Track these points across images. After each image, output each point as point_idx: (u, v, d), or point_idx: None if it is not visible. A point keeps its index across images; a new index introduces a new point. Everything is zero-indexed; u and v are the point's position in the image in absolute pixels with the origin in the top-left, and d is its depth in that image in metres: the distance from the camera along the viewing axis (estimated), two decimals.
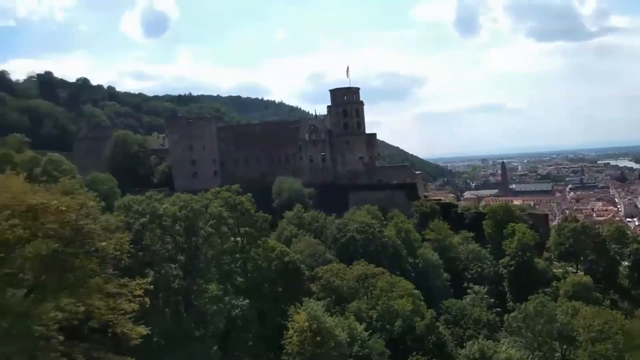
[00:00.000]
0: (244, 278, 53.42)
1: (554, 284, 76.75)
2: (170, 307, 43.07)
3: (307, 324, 42.84)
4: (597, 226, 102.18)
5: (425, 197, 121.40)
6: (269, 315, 51.55)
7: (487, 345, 51.67)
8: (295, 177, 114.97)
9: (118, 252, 26.37)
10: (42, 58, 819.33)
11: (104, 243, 25.12)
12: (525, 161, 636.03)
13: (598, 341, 50.07)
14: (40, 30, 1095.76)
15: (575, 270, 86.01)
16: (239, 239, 56.38)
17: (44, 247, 23.18)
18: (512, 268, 79.43)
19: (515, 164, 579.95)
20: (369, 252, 71.93)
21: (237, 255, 54.51)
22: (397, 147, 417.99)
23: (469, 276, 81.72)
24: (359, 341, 47.39)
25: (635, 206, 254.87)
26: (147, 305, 28.07)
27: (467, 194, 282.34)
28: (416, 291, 61.16)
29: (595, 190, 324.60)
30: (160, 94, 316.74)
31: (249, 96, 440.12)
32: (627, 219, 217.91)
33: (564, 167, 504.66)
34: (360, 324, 49.93)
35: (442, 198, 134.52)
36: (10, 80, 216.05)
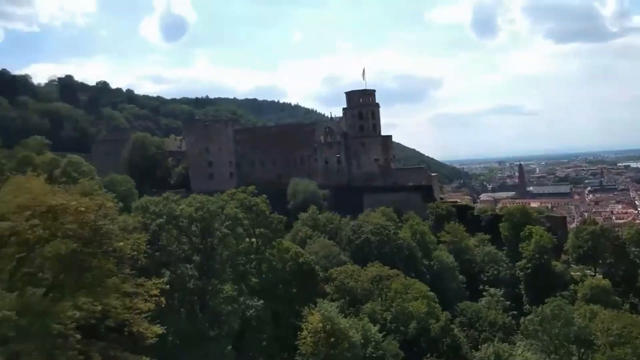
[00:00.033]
0: (258, 279, 53.79)
1: (571, 287, 75.76)
2: (185, 307, 43.59)
3: (321, 324, 42.98)
4: (616, 229, 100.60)
5: (441, 199, 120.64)
6: (283, 315, 51.78)
7: (502, 348, 51.15)
8: (310, 179, 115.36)
9: (135, 252, 26.92)
10: (63, 62, 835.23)
11: (121, 243, 25.64)
12: (543, 163, 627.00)
13: (617, 345, 49.24)
14: (62, 36, 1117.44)
15: (593, 274, 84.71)
16: (254, 240, 56.83)
17: (63, 247, 23.75)
18: (529, 271, 78.58)
19: (533, 166, 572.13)
20: (384, 254, 71.83)
21: (252, 256, 54.95)
22: (413, 149, 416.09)
23: (485, 279, 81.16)
24: (373, 342, 47.35)
25: None
26: (163, 305, 28.46)
27: (483, 196, 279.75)
28: (431, 293, 60.91)
29: (615, 193, 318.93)
30: (177, 97, 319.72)
31: (265, 99, 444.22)
32: None
33: (583, 169, 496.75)
34: (375, 326, 49.96)
35: (458, 200, 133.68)
36: (32, 84, 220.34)
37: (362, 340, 46.03)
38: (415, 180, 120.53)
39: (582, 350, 51.75)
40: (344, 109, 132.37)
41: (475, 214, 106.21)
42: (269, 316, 49.47)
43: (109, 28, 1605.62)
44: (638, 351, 48.22)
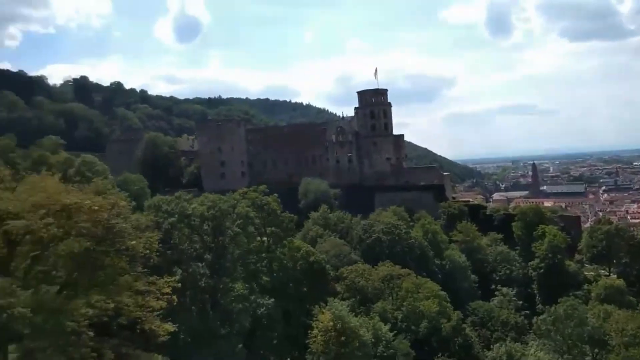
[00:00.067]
0: (269, 277, 54.03)
1: (585, 287, 75.04)
2: (197, 305, 43.94)
3: (331, 323, 42.99)
4: (631, 228, 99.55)
5: (453, 198, 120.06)
6: (294, 314, 51.96)
7: (514, 348, 50.80)
8: (321, 179, 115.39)
9: (147, 251, 27.17)
10: (78, 63, 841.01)
11: (134, 242, 25.91)
12: (557, 162, 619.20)
13: (632, 346, 48.62)
14: (77, 37, 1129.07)
15: (607, 273, 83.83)
16: (265, 238, 57.09)
17: (76, 245, 24.08)
18: (542, 270, 77.93)
19: (547, 165, 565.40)
20: (395, 253, 71.71)
21: (263, 255, 55.24)
22: (425, 149, 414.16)
23: (497, 278, 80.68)
24: (384, 341, 47.35)
25: None
26: (175, 303, 28.78)
27: (496, 196, 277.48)
28: (442, 293, 60.72)
29: (630, 192, 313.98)
30: (190, 97, 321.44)
31: (277, 98, 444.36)
32: None
33: (598, 169, 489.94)
34: (385, 325, 49.86)
35: (471, 199, 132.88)
36: (48, 85, 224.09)
37: (373, 339, 46.00)
38: (427, 179, 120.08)
39: (596, 350, 51.26)
40: (355, 108, 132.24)
41: (487, 213, 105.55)
42: (280, 315, 49.68)
43: (123, 29, 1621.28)
44: None
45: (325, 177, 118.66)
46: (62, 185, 26.28)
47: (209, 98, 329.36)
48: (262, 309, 47.37)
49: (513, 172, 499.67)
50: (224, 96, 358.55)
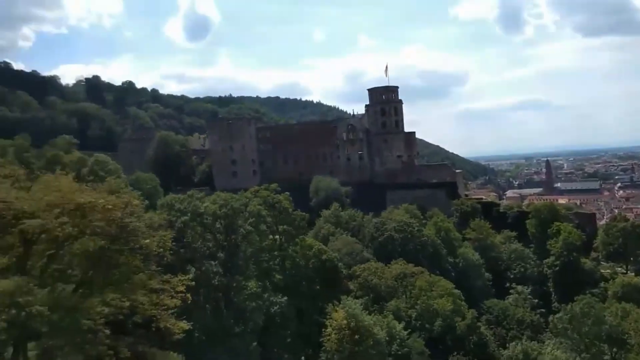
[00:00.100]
0: (282, 275, 53.91)
1: (601, 284, 74.13)
2: (210, 303, 43.94)
3: (345, 321, 42.82)
4: None
5: (466, 196, 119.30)
6: (307, 312, 51.85)
7: (531, 347, 50.25)
8: (332, 176, 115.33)
9: (161, 249, 27.16)
10: (90, 63, 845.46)
11: (147, 240, 25.89)
12: (572, 159, 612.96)
13: None
14: (89, 37, 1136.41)
15: (624, 271, 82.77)
16: (277, 236, 57.04)
17: (91, 244, 24.12)
18: (557, 268, 77.24)
19: (561, 162, 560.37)
20: (408, 251, 71.35)
21: (276, 253, 55.17)
22: (437, 146, 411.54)
23: (512, 276, 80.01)
24: (398, 340, 47.07)
25: None
26: (189, 301, 28.67)
27: (509, 193, 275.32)
28: (456, 291, 60.32)
29: None
30: (201, 96, 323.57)
31: (288, 97, 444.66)
32: None
33: (613, 165, 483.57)
34: (399, 323, 49.61)
35: (484, 197, 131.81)
36: (60, 85, 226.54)
37: (387, 338, 45.78)
38: (440, 176, 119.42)
39: (615, 349, 50.56)
40: (366, 105, 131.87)
41: (501, 210, 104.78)
42: (293, 313, 49.58)
43: (134, 29, 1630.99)
44: None
45: (336, 175, 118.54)
46: (76, 184, 26.26)
47: (220, 97, 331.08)
48: (275, 307, 47.25)
49: (526, 169, 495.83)
50: (235, 95, 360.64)
